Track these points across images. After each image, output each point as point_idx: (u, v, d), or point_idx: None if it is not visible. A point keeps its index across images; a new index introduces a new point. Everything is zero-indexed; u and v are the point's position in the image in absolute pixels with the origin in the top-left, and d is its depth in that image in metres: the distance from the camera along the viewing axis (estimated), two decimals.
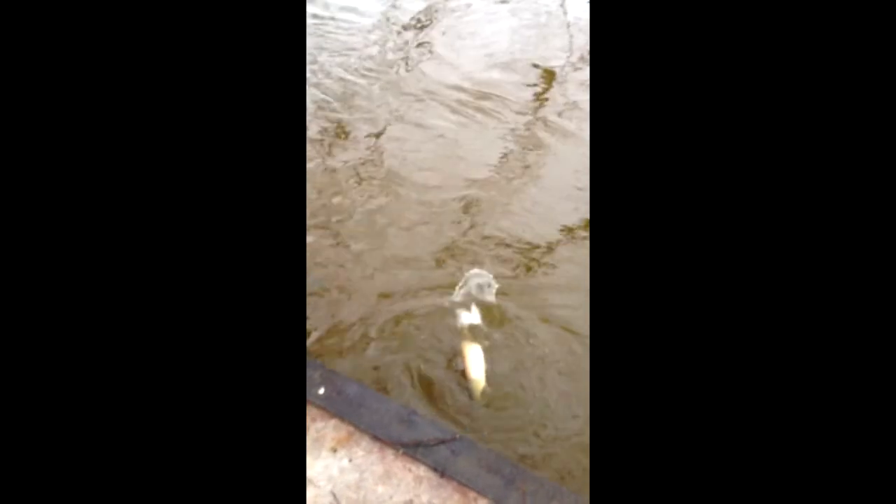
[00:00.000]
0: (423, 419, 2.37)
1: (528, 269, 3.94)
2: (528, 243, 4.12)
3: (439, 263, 3.89)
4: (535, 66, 6.13)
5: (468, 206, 4.36)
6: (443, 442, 2.29)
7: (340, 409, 2.37)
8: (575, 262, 3.95)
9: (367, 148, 4.86)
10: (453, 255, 3.96)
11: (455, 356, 3.28)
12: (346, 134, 5.03)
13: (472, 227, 4.18)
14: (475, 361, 3.20)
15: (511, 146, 5.03)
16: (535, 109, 5.53)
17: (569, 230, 4.24)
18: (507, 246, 4.06)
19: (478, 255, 3.95)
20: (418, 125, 5.18)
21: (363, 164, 4.69)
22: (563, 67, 6.19)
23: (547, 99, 5.70)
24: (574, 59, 6.36)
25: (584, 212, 4.37)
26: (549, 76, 6.02)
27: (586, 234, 4.20)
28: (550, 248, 4.11)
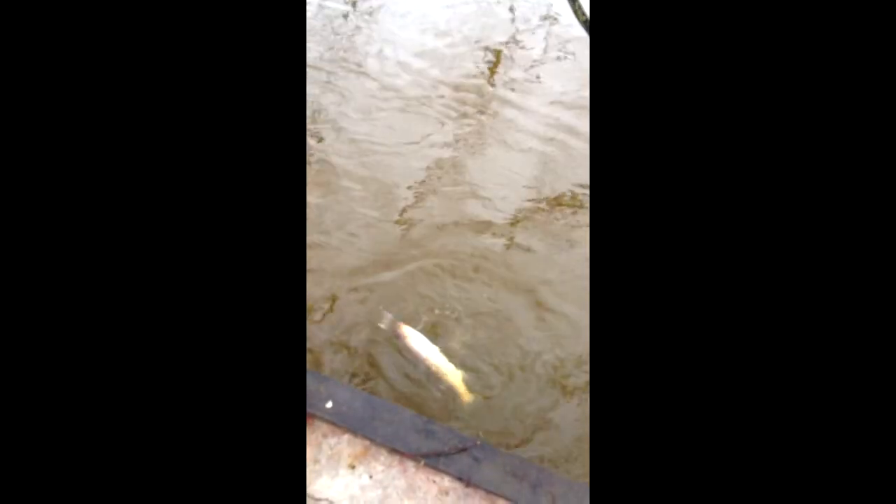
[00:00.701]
0: (440, 427, 2.29)
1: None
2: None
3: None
4: (480, 44, 6.03)
5: (421, 187, 4.28)
6: (464, 449, 2.22)
7: (352, 423, 2.26)
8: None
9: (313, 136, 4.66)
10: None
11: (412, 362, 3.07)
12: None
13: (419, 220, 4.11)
14: (435, 356, 3.01)
15: (461, 126, 4.93)
16: (483, 87, 5.44)
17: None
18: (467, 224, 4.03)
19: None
20: (364, 113, 5.00)
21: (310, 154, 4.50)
22: (507, 45, 6.12)
23: (495, 74, 5.62)
24: (518, 35, 6.30)
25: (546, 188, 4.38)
26: (496, 54, 5.94)
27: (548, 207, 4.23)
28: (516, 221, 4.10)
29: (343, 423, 2.26)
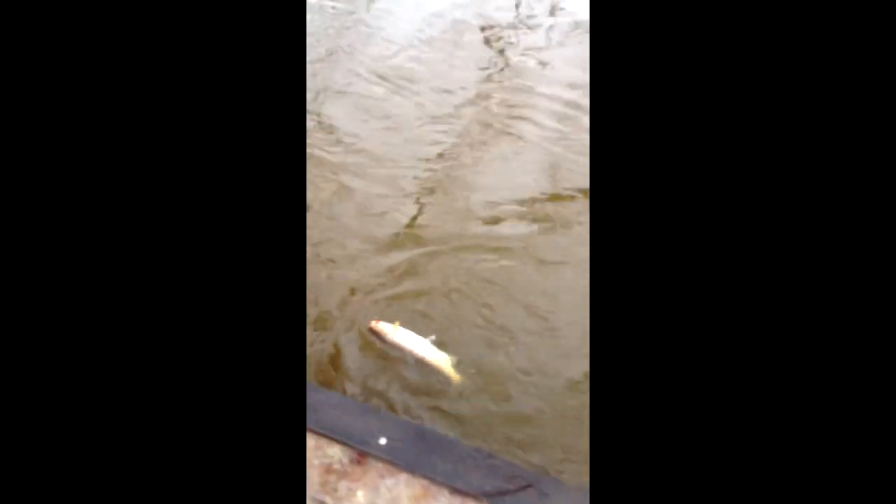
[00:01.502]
0: (502, 461, 2.16)
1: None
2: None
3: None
4: (484, 27, 5.81)
5: (426, 184, 4.11)
6: (529, 486, 2.09)
7: (409, 462, 2.12)
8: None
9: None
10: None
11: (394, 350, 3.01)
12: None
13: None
14: (419, 344, 2.96)
15: (470, 116, 4.74)
16: (491, 75, 5.25)
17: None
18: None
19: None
20: (363, 106, 4.79)
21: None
22: (514, 25, 5.92)
23: (505, 64, 5.43)
24: (522, 16, 6.09)
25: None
26: (498, 41, 5.72)
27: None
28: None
29: (398, 461, 2.12)
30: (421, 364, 2.95)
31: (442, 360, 2.92)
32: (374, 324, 3.03)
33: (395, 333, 2.99)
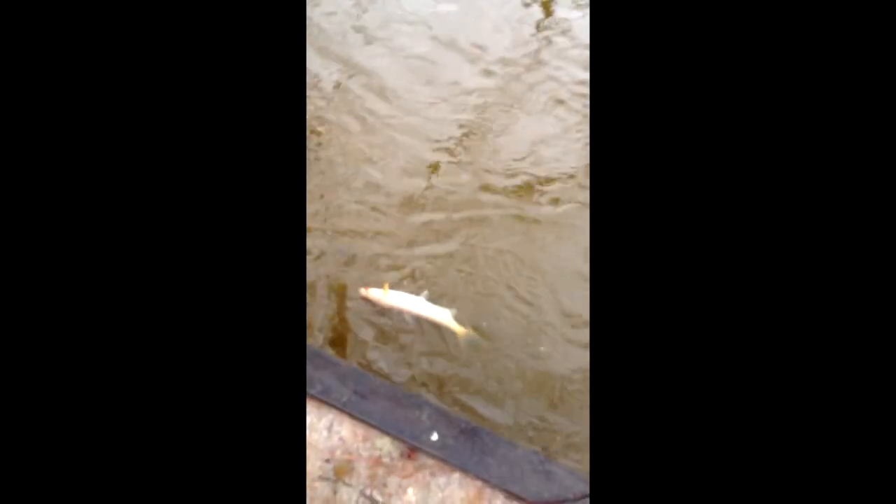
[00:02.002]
0: (558, 467, 2.04)
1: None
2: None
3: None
4: None
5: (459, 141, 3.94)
6: (587, 495, 1.98)
7: (463, 461, 2.00)
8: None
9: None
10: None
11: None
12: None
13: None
14: (417, 303, 2.85)
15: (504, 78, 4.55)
16: (532, 31, 5.06)
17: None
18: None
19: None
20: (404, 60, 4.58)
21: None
22: None
23: (547, 27, 5.23)
24: None
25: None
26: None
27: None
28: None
29: (452, 459, 2.00)
30: (422, 322, 2.83)
31: (442, 315, 2.81)
32: (363, 291, 2.90)
33: (388, 297, 2.85)
